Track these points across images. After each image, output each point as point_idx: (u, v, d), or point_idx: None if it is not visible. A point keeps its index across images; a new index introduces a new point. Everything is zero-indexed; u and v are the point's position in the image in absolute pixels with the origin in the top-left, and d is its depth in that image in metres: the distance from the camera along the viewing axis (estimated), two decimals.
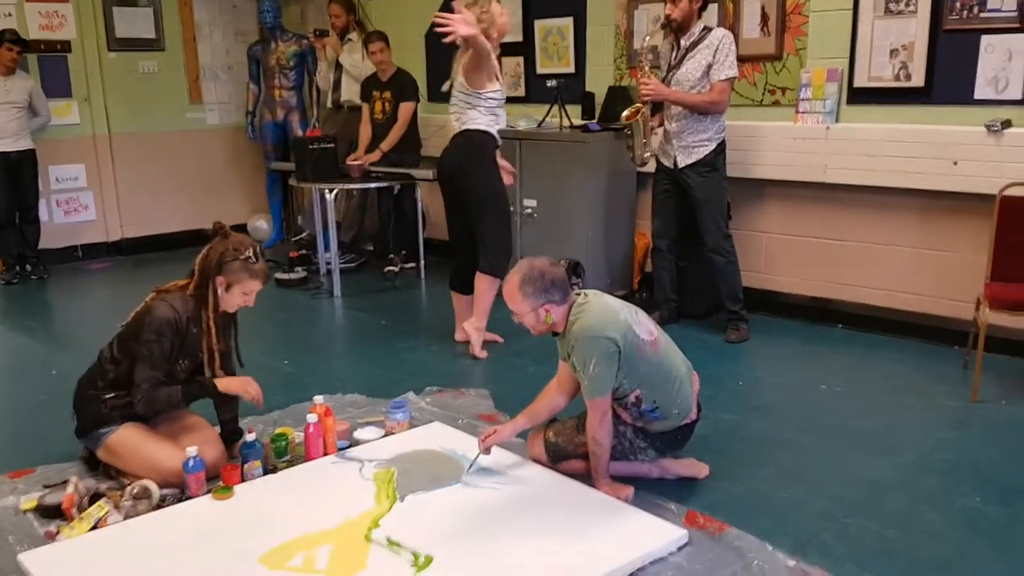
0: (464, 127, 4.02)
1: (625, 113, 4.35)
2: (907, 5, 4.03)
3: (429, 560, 2.35)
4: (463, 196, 4.10)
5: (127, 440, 2.79)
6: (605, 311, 2.64)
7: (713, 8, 4.53)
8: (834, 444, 3.16)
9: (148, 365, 2.73)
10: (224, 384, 2.88)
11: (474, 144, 4.00)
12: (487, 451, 2.86)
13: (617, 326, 2.61)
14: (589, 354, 2.57)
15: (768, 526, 2.56)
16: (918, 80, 4.05)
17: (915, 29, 4.02)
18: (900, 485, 2.83)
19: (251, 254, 2.78)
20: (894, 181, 4.15)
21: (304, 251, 6.30)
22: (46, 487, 2.80)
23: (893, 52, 4.11)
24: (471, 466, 2.86)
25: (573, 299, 2.68)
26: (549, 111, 5.21)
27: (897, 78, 4.12)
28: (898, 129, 4.10)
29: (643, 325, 2.72)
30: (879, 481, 2.86)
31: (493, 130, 4.04)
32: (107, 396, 2.81)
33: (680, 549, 2.44)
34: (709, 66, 4.12)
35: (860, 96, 4.25)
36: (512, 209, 4.12)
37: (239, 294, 2.80)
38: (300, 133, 6.42)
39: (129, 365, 2.79)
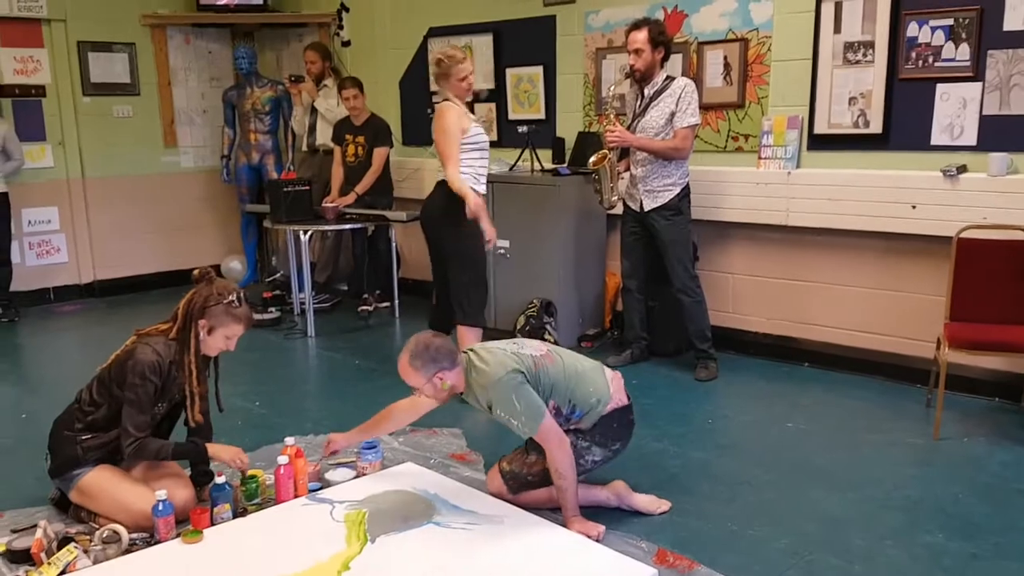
0: (442, 176, 4.07)
1: (592, 159, 4.45)
2: (864, 55, 4.18)
3: None
4: (439, 247, 4.19)
5: (99, 482, 2.79)
6: (494, 355, 2.81)
7: (677, 58, 4.67)
8: (800, 481, 3.21)
9: (137, 410, 2.74)
10: (214, 451, 2.90)
11: (451, 198, 3.99)
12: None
13: (510, 359, 2.79)
14: (507, 395, 2.71)
15: (736, 563, 2.60)
16: (876, 127, 4.19)
17: (872, 78, 4.17)
18: (864, 521, 2.89)
19: (234, 299, 2.82)
20: (855, 224, 4.26)
21: (278, 291, 6.32)
22: (14, 531, 2.78)
23: (852, 100, 4.25)
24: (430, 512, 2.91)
25: (461, 361, 2.82)
26: (520, 155, 5.31)
27: (856, 125, 4.26)
28: (858, 174, 4.23)
29: (528, 346, 2.91)
30: (843, 517, 2.92)
31: (474, 183, 4.03)
32: (83, 437, 2.82)
33: None
34: (672, 114, 4.24)
35: (820, 142, 4.39)
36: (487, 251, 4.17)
37: (221, 338, 2.83)
38: (275, 176, 6.47)
39: (108, 408, 2.80)
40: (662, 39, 4.24)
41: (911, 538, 2.77)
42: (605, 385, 2.94)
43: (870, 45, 4.15)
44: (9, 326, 5.92)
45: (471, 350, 2.88)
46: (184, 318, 2.81)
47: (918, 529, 2.83)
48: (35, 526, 2.69)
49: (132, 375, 2.73)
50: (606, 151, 4.41)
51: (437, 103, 4.18)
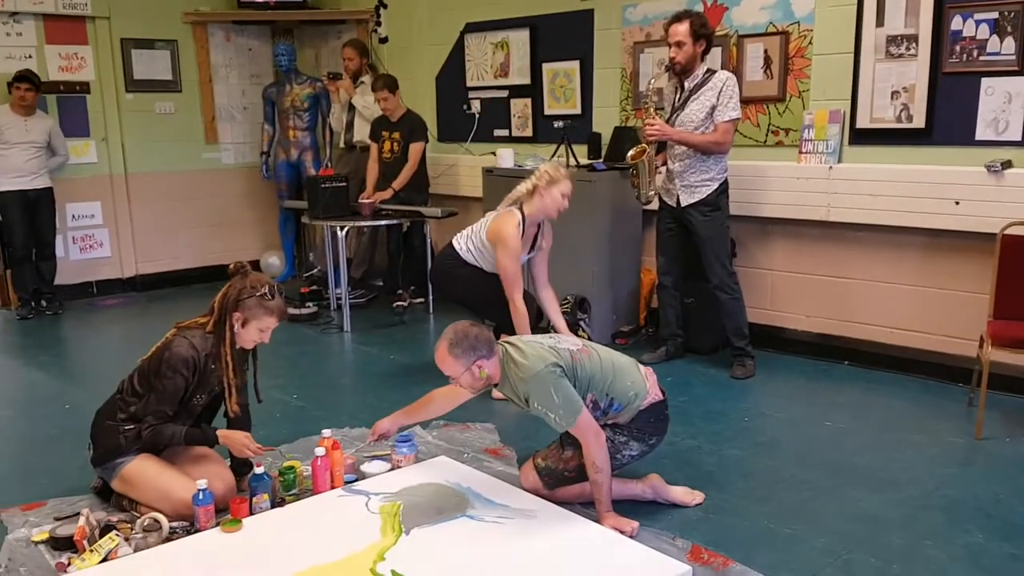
0: (457, 247, 4.09)
1: (630, 153, 4.42)
2: (907, 49, 4.11)
3: None
4: (458, 296, 4.25)
5: (141, 471, 2.85)
6: (532, 348, 2.82)
7: (716, 52, 4.63)
8: (838, 480, 3.17)
9: (157, 399, 2.80)
10: (224, 436, 2.92)
11: (457, 262, 4.07)
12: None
13: (548, 353, 2.79)
14: (545, 389, 2.71)
15: (772, 561, 2.58)
16: (919, 121, 4.12)
17: (916, 72, 4.10)
18: (903, 521, 2.84)
19: (267, 291, 2.85)
20: (897, 220, 4.20)
21: (315, 287, 6.38)
22: (57, 519, 2.85)
23: (894, 94, 4.18)
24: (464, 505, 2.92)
25: (498, 351, 2.82)
26: (556, 150, 5.30)
27: (899, 119, 4.19)
28: (900, 169, 4.16)
29: (566, 341, 2.95)
30: (882, 517, 2.87)
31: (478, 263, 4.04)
32: (125, 427, 2.88)
33: None
34: (712, 108, 4.20)
35: (862, 137, 4.32)
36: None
37: (255, 330, 2.86)
38: (313, 172, 6.53)
39: (148, 398, 2.85)
40: (704, 32, 4.19)
41: (951, 538, 2.72)
42: (642, 380, 2.93)
43: (913, 39, 4.08)
44: (53, 319, 6.05)
45: (508, 343, 2.89)
46: (219, 311, 2.85)
47: (958, 529, 2.78)
48: (78, 514, 2.74)
49: (165, 366, 2.79)
50: (645, 145, 4.38)
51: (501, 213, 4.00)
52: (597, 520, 2.76)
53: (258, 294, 2.83)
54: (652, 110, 4.33)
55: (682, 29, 4.17)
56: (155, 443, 2.85)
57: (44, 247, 6.09)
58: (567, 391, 2.72)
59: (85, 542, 2.61)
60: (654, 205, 4.63)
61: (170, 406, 2.83)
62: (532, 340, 2.91)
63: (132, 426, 2.87)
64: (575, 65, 5.50)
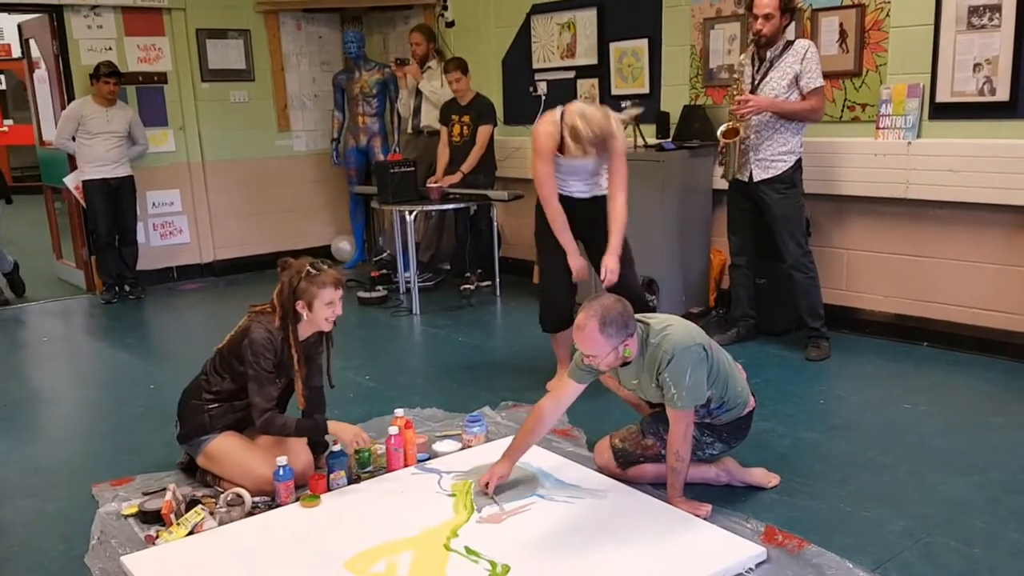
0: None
1: (721, 130, 4.28)
2: (990, 19, 3.95)
3: (507, 569, 2.41)
4: None
5: (225, 448, 2.95)
6: (686, 324, 2.73)
7: (790, 26, 4.51)
8: (917, 463, 3.10)
9: (258, 384, 2.87)
10: (335, 429, 2.96)
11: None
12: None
13: (700, 333, 2.71)
14: (685, 366, 2.61)
15: (849, 544, 2.53)
16: (1003, 94, 3.96)
17: (999, 43, 3.94)
18: (986, 505, 2.76)
19: (310, 267, 2.88)
20: (980, 197, 4.05)
21: (384, 271, 6.47)
22: (146, 494, 2.96)
23: (976, 67, 4.03)
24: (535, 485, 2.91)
25: (635, 327, 2.70)
26: (623, 131, 5.24)
27: (981, 93, 4.04)
28: (983, 144, 4.01)
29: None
30: (964, 501, 2.80)
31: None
32: (210, 407, 2.98)
33: (758, 566, 2.43)
34: (795, 76, 4.09)
35: (942, 111, 4.18)
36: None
37: (322, 307, 2.89)
38: (382, 158, 6.61)
39: (232, 380, 2.96)
40: (791, 4, 4.10)
41: None
42: (746, 386, 2.87)
43: (996, 8, 3.92)
44: (136, 303, 6.27)
45: (649, 316, 2.79)
46: (281, 307, 2.90)
47: None
48: (164, 489, 2.85)
49: (249, 354, 2.86)
50: (737, 125, 4.24)
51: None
52: (668, 502, 2.75)
53: (304, 275, 2.86)
54: (741, 86, 4.23)
55: (770, 1, 4.06)
56: (265, 431, 2.93)
57: (126, 234, 6.30)
58: (699, 379, 2.63)
59: (172, 516, 2.71)
60: (722, 183, 4.56)
61: (273, 387, 2.91)
62: (666, 316, 2.82)
63: (216, 406, 2.97)
64: (643, 43, 5.43)
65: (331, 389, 3.17)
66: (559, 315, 3.80)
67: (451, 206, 5.74)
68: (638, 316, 2.73)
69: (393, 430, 3.08)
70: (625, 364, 2.75)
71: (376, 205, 6.02)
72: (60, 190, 6.57)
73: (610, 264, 3.57)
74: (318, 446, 3.10)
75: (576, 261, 3.68)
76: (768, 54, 4.18)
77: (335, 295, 2.91)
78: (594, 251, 3.75)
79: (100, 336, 5.55)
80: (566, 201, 3.68)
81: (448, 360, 4.62)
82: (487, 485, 2.85)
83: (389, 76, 6.78)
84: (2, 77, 12.85)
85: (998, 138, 3.99)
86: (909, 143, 4.24)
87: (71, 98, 6.25)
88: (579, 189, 3.71)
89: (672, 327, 2.70)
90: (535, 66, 6.14)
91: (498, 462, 2.90)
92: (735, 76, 4.32)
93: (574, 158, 3.50)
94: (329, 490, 2.90)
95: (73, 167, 6.22)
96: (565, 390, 2.87)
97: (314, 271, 2.87)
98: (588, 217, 3.71)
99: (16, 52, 10.74)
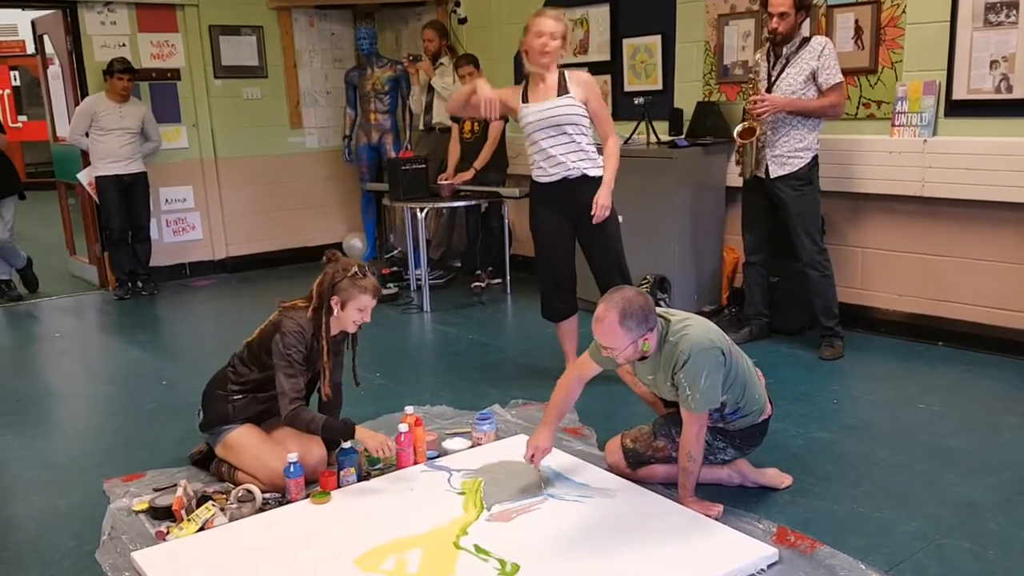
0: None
1: (738, 130, 4.26)
2: (1007, 16, 3.91)
3: (516, 568, 2.40)
4: None
5: (244, 439, 2.97)
6: (706, 324, 2.70)
7: (805, 23, 4.47)
8: (931, 464, 3.07)
9: (287, 376, 2.88)
10: (362, 435, 2.93)
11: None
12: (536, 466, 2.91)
13: (715, 332, 2.68)
14: (701, 368, 2.58)
15: (861, 545, 2.51)
16: (1020, 92, 3.92)
17: (1017, 40, 3.90)
18: (1000, 506, 2.74)
19: (358, 270, 2.93)
20: (996, 195, 4.01)
21: (396, 268, 6.47)
22: (156, 490, 2.97)
23: (993, 64, 3.99)
24: (545, 484, 2.91)
25: (655, 322, 2.66)
26: (636, 128, 5.23)
27: (998, 90, 3.99)
28: (1000, 142, 3.97)
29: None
30: (978, 502, 2.77)
31: (535, 174, 3.77)
32: (235, 397, 3.01)
33: (770, 567, 2.41)
34: (812, 73, 4.06)
35: (959, 109, 4.13)
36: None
37: (354, 310, 2.93)
38: (394, 155, 6.61)
39: (259, 372, 2.99)
40: (806, 1, 4.07)
41: None
42: (763, 392, 2.83)
43: (1014, 5, 3.88)
44: (149, 299, 6.29)
45: (669, 312, 2.74)
46: (318, 298, 2.95)
47: None
48: (175, 485, 2.85)
49: (281, 346, 2.88)
50: (755, 124, 4.21)
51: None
52: (679, 502, 2.73)
53: (350, 275, 2.91)
54: (757, 84, 4.20)
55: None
56: (292, 425, 2.94)
57: (139, 230, 6.32)
58: (714, 382, 2.59)
59: (183, 512, 2.72)
60: (737, 181, 4.53)
61: (303, 378, 2.93)
62: (687, 313, 2.77)
63: (240, 397, 3.01)
64: (656, 40, 5.40)
65: (356, 387, 3.21)
66: (555, 303, 3.84)
67: (462, 203, 5.73)
68: (659, 311, 2.69)
69: (403, 427, 3.08)
70: (643, 359, 2.72)
71: (387, 202, 6.03)
72: (74, 186, 6.60)
73: (602, 199, 3.63)
74: (331, 443, 3.10)
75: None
76: (784, 51, 4.15)
77: (370, 303, 2.96)
78: (586, 237, 3.82)
79: (112, 332, 5.57)
80: (557, 184, 3.69)
81: (458, 357, 4.62)
82: (532, 458, 2.84)
83: (401, 73, 6.77)
84: (16, 73, 12.94)
85: (1015, 136, 3.94)
86: (925, 141, 4.20)
87: (84, 94, 6.27)
88: (564, 164, 3.67)
89: (691, 326, 2.66)
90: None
91: (537, 433, 2.87)
92: (751, 75, 4.28)
93: (537, 56, 3.72)
94: (339, 487, 2.90)
95: (87, 163, 6.24)
96: (587, 367, 2.84)
97: (360, 274, 2.92)
98: (581, 203, 3.68)
99: (30, 48, 10.82)
